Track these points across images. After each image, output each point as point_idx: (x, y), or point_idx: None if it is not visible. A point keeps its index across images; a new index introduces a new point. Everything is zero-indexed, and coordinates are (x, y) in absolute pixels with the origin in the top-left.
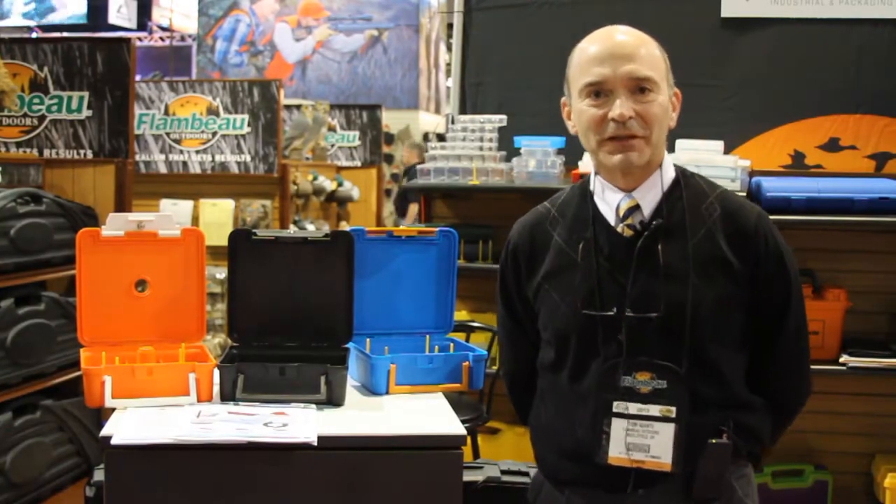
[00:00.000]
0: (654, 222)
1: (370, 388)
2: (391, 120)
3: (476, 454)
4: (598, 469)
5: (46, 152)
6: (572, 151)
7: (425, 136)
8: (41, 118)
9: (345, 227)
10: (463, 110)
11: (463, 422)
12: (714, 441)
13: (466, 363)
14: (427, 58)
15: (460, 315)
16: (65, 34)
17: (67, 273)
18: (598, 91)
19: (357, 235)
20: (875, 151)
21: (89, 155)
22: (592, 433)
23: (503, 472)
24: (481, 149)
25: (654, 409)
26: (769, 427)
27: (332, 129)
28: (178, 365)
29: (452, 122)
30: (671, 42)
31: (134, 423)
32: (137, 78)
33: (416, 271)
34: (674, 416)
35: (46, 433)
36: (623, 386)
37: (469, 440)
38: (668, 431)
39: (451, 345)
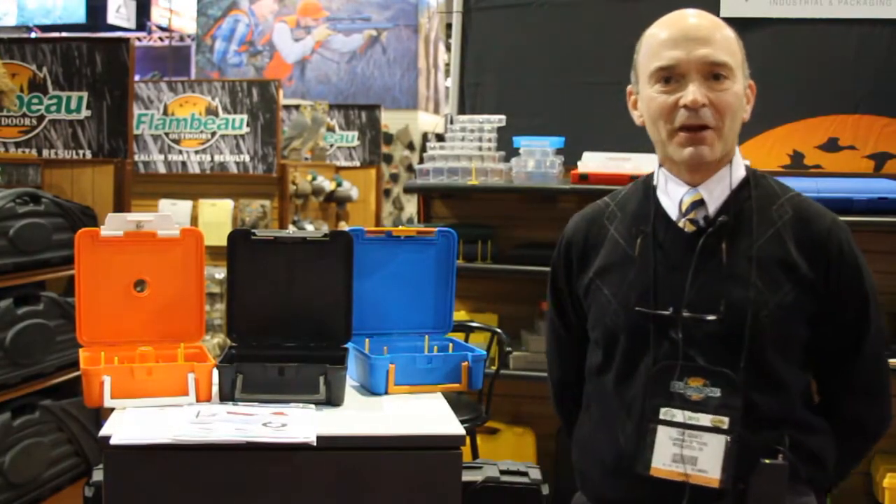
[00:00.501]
0: (719, 219)
1: (369, 388)
2: (390, 120)
3: (475, 454)
4: (642, 484)
5: (45, 152)
6: (571, 151)
7: (424, 137)
8: (40, 118)
9: (344, 227)
10: (462, 110)
11: (462, 422)
12: (768, 461)
13: (465, 363)
14: (426, 58)
15: (459, 315)
16: (64, 34)
17: (66, 273)
18: (670, 76)
19: (356, 235)
20: (874, 151)
21: (88, 155)
22: (636, 441)
23: (502, 473)
24: (480, 149)
25: (705, 419)
26: (833, 453)
27: (330, 129)
28: (177, 365)
29: (451, 123)
30: None
31: (133, 424)
32: (136, 78)
33: (415, 271)
34: (726, 427)
35: (45, 433)
36: (673, 391)
37: (468, 440)
38: (718, 444)
39: (451, 345)
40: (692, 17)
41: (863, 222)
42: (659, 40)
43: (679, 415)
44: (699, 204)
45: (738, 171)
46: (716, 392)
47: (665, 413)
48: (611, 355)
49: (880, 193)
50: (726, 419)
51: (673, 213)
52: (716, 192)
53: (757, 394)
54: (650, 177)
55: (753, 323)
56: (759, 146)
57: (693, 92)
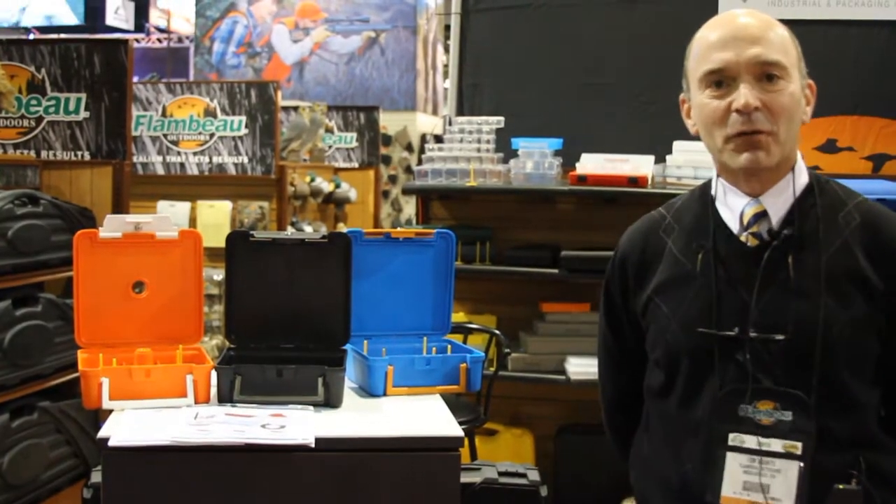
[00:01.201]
0: (783, 231)
1: (367, 390)
2: (389, 121)
3: (473, 455)
4: None
5: (44, 154)
6: (569, 153)
7: (423, 138)
8: (38, 119)
9: (342, 228)
10: (460, 112)
11: (460, 423)
12: (842, 487)
13: (464, 365)
14: (424, 59)
15: (458, 317)
16: (62, 35)
17: (65, 274)
18: (720, 80)
19: (354, 237)
20: (872, 153)
21: (87, 156)
22: (703, 468)
23: (501, 474)
24: (479, 150)
25: (777, 444)
26: None
27: (329, 130)
28: (176, 366)
29: (450, 124)
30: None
31: (131, 425)
32: (135, 79)
33: (413, 273)
34: (799, 452)
35: (44, 435)
36: (741, 416)
37: (466, 442)
38: (792, 471)
39: (449, 346)
40: (742, 17)
41: None
42: (707, 43)
43: (749, 440)
44: (762, 216)
45: (802, 178)
46: (787, 415)
47: (734, 439)
48: (673, 377)
49: (879, 195)
50: (799, 444)
51: (734, 225)
52: (779, 203)
53: (831, 415)
54: (707, 185)
55: (824, 341)
56: None
57: (745, 94)
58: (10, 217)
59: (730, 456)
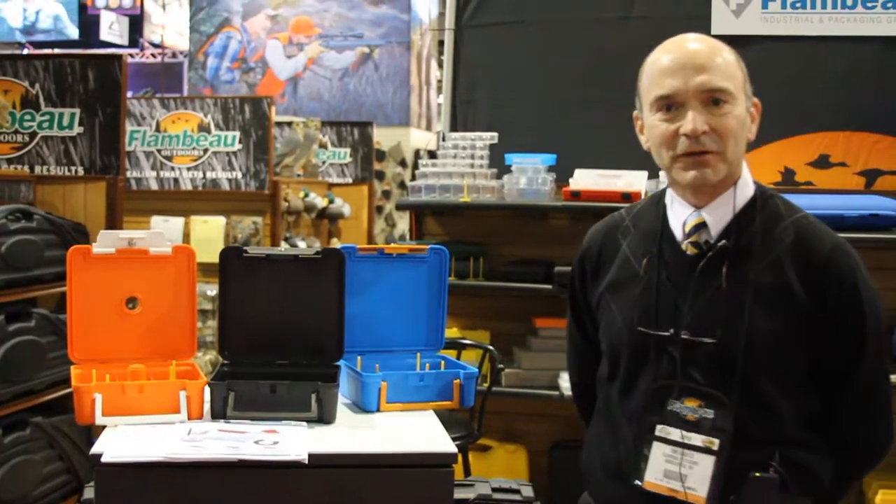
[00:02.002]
0: (719, 243)
1: (361, 406)
2: (382, 137)
3: (467, 471)
4: (636, 493)
5: (37, 169)
6: (563, 168)
7: (417, 154)
8: (32, 135)
9: (336, 244)
10: (454, 127)
11: (454, 439)
12: (758, 474)
13: (457, 381)
14: (418, 75)
15: (451, 332)
16: (56, 51)
17: (58, 290)
18: (670, 104)
19: (348, 253)
20: (865, 168)
21: (80, 171)
22: (634, 454)
23: (494, 490)
24: (472, 166)
25: (697, 439)
26: (830, 469)
27: (323, 145)
28: (169, 382)
29: (443, 140)
30: None
31: (124, 441)
32: (129, 94)
33: (407, 289)
34: (715, 448)
35: (36, 450)
36: (669, 410)
37: (460, 458)
38: (707, 464)
39: (442, 362)
40: (691, 43)
41: (854, 239)
42: (658, 67)
43: (674, 433)
44: (702, 226)
45: (745, 192)
46: (709, 413)
47: (661, 430)
48: (615, 368)
49: (871, 210)
50: (717, 441)
51: (678, 234)
52: (718, 215)
53: (748, 416)
54: (663, 193)
55: (747, 348)
56: (750, 163)
57: (692, 120)
58: (4, 232)
59: (655, 445)
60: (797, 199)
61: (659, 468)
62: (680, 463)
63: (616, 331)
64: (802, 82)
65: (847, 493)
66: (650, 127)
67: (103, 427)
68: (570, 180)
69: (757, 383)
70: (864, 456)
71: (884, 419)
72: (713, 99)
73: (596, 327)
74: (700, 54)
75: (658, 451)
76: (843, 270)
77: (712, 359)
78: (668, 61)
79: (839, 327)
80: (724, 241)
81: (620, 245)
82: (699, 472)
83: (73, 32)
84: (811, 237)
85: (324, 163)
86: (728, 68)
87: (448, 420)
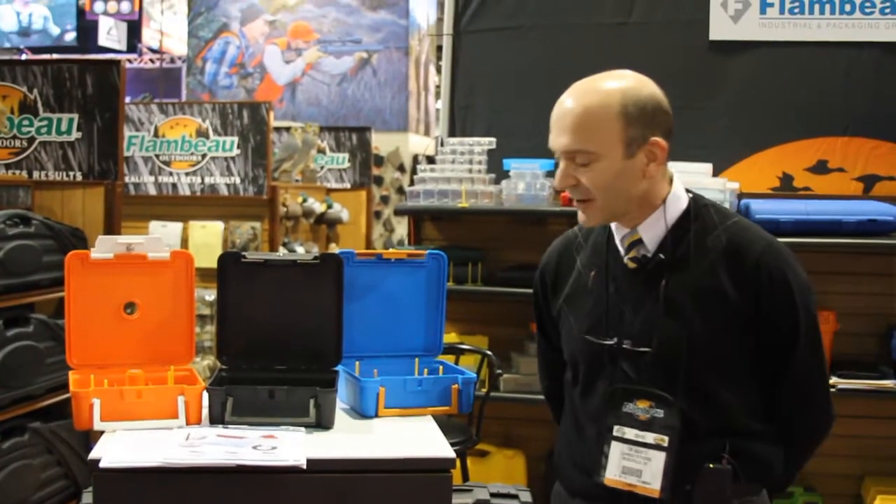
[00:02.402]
0: (656, 256)
1: (359, 411)
2: (381, 142)
3: (465, 477)
4: (600, 487)
5: (36, 174)
6: None
7: (415, 159)
8: (31, 140)
9: (334, 249)
10: (452, 133)
11: (452, 444)
12: (711, 465)
13: (456, 386)
14: (416, 80)
15: (450, 338)
16: (55, 56)
17: (56, 295)
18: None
19: (346, 258)
20: (863, 174)
21: (79, 177)
22: (596, 452)
23: (492, 496)
24: (470, 171)
25: (650, 437)
26: (779, 454)
27: (321, 151)
28: (167, 388)
29: (442, 145)
30: (660, 65)
31: (122, 446)
32: (127, 100)
33: (405, 294)
34: (665, 445)
35: (34, 456)
36: (624, 411)
37: (458, 463)
38: (659, 459)
39: (441, 367)
40: (567, 100)
41: (852, 244)
42: (551, 119)
43: (629, 432)
44: (639, 242)
45: (676, 207)
46: (660, 413)
47: (618, 430)
48: (576, 373)
49: (869, 215)
50: (666, 438)
51: (621, 249)
52: (652, 231)
53: (697, 412)
54: None
55: (689, 350)
56: (748, 168)
57: (557, 177)
58: (2, 237)
59: (614, 444)
60: (795, 205)
61: (617, 465)
62: (636, 460)
63: (573, 340)
64: (801, 88)
65: (796, 477)
66: None
67: (101, 432)
68: None
69: (701, 382)
70: (806, 441)
71: (823, 403)
72: (575, 159)
73: (559, 336)
74: (566, 115)
75: (616, 450)
76: (773, 270)
77: (655, 363)
78: (552, 115)
79: (775, 323)
80: (660, 254)
81: (575, 260)
82: (653, 468)
83: (55, 31)
84: (742, 242)
85: (322, 168)
86: (591, 130)
87: (446, 425)
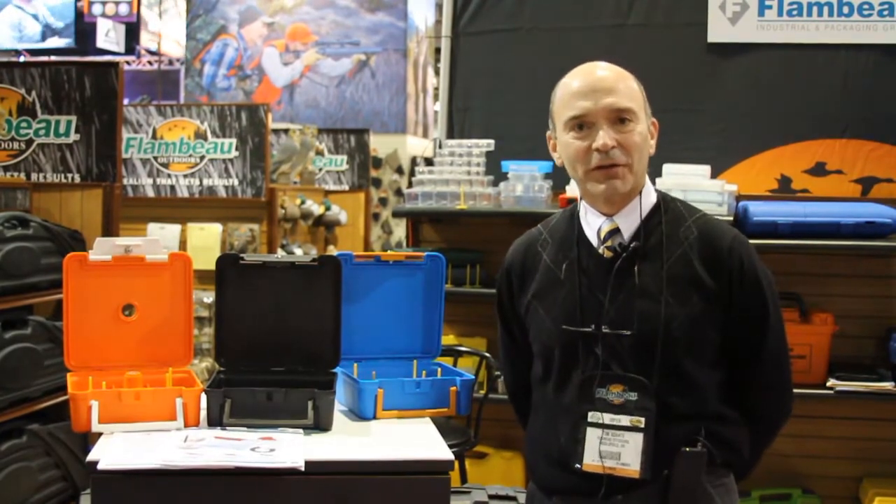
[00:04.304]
0: (632, 244)
1: (358, 413)
2: (379, 144)
3: (464, 479)
4: (576, 475)
5: (34, 176)
6: (560, 176)
7: (413, 161)
8: (29, 142)
9: (332, 251)
10: (450, 135)
11: (450, 446)
12: (687, 449)
13: (454, 388)
14: (415, 82)
15: (448, 339)
16: (53, 58)
17: (54, 297)
18: (582, 124)
19: (345, 260)
20: (861, 176)
21: (77, 179)
22: (571, 441)
23: (491, 497)
24: (469, 173)
25: (625, 420)
26: (747, 439)
27: (319, 153)
28: (166, 390)
29: (440, 147)
30: (658, 67)
31: (121, 448)
32: (125, 102)
33: (403, 296)
34: (642, 426)
35: (33, 458)
36: (598, 397)
37: (457, 465)
38: (636, 441)
39: (439, 369)
40: (599, 70)
41: (850, 246)
42: (570, 91)
43: (605, 417)
44: (615, 232)
45: (649, 199)
46: (633, 396)
47: (592, 416)
48: (549, 367)
49: (867, 217)
50: (643, 419)
51: (594, 240)
52: (628, 221)
53: (672, 395)
54: (575, 206)
55: (665, 334)
56: (746, 170)
57: (603, 136)
58: (0, 239)
59: (589, 430)
60: (793, 207)
61: (594, 450)
62: (613, 443)
63: (547, 332)
64: (799, 90)
65: (758, 461)
66: (564, 145)
67: (100, 434)
68: (567, 187)
69: (677, 364)
70: (773, 425)
71: (788, 388)
72: (619, 118)
73: (525, 334)
74: (607, 79)
75: (592, 435)
76: (744, 260)
77: (633, 348)
78: (579, 86)
79: (745, 306)
80: (635, 243)
81: (541, 256)
82: (631, 449)
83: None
84: (713, 232)
85: (320, 170)
86: (631, 92)
87: (444, 427)
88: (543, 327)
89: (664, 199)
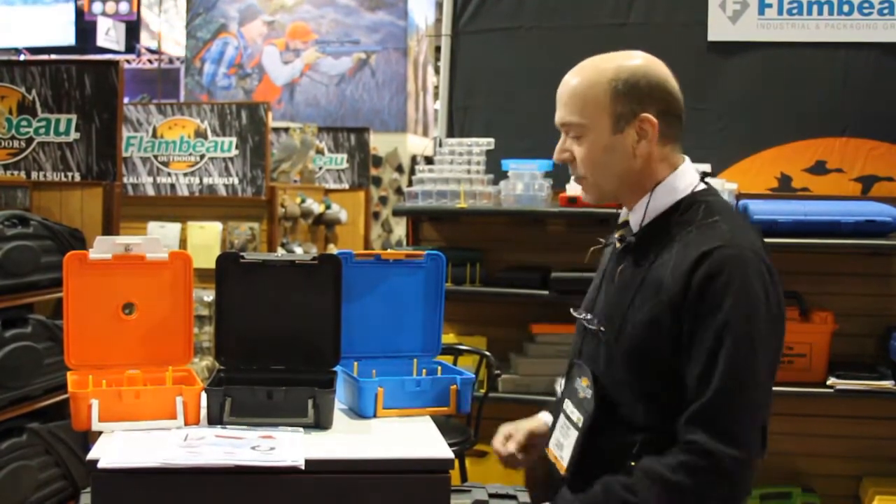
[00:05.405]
0: (627, 239)
1: (358, 412)
2: (379, 143)
3: (464, 478)
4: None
5: (34, 175)
6: (560, 175)
7: (413, 159)
8: (29, 141)
9: (332, 249)
10: (450, 133)
11: (451, 445)
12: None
13: (454, 386)
14: (415, 81)
15: (448, 338)
16: (53, 56)
17: (54, 296)
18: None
19: (345, 259)
20: (861, 174)
21: (77, 177)
22: (552, 425)
23: (491, 496)
24: (469, 172)
25: (575, 415)
26: None
27: (319, 151)
28: (166, 388)
29: (440, 145)
30: None
31: (121, 447)
32: (125, 100)
33: (403, 294)
34: (580, 425)
35: (33, 456)
36: (573, 386)
37: (457, 463)
38: (573, 438)
39: (439, 368)
40: (568, 75)
41: (850, 245)
42: None
43: (568, 406)
44: (626, 225)
45: (665, 198)
46: (590, 392)
47: (566, 405)
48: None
49: (867, 216)
50: (583, 418)
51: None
52: (636, 216)
53: (618, 400)
54: None
55: (617, 335)
56: (746, 169)
57: (556, 149)
58: (1, 238)
59: (560, 418)
60: (793, 206)
61: (555, 438)
62: (564, 433)
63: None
64: (799, 88)
65: None
66: None
67: (100, 433)
68: (567, 186)
69: (623, 368)
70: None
71: (731, 438)
72: (569, 132)
73: None
74: (563, 89)
75: (559, 423)
76: (714, 275)
77: (602, 344)
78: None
79: (696, 331)
80: (629, 239)
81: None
82: (569, 444)
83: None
84: (698, 239)
85: (320, 169)
86: (583, 102)
87: (445, 426)
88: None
89: (689, 202)
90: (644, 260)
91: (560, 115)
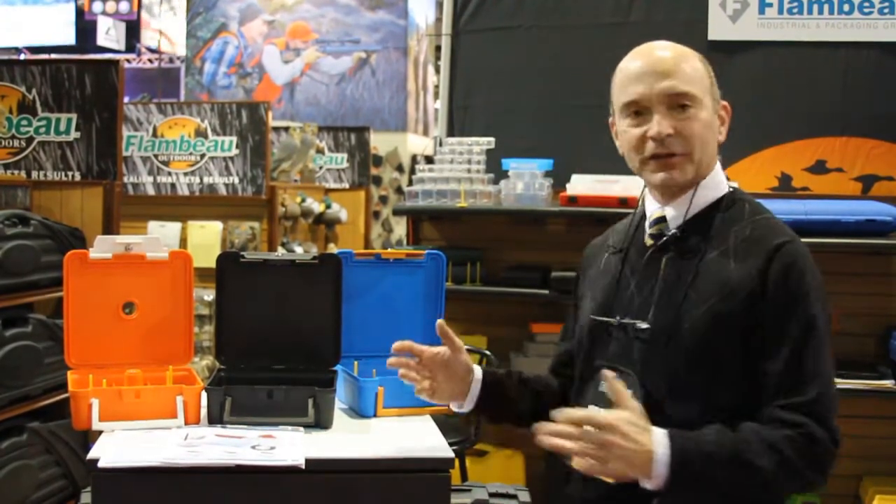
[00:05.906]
0: (667, 234)
1: (358, 411)
2: (379, 142)
3: (464, 477)
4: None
5: (34, 174)
6: (560, 174)
7: (413, 159)
8: (29, 140)
9: (333, 249)
10: (451, 133)
11: (451, 444)
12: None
13: None
14: (415, 80)
15: None
16: (53, 56)
17: (55, 295)
18: (638, 110)
19: (345, 258)
20: (862, 174)
21: (77, 177)
22: None
23: (491, 495)
24: (469, 171)
25: None
26: None
27: (320, 151)
28: (166, 387)
29: (440, 145)
30: None
31: (121, 446)
32: (126, 100)
33: (404, 294)
34: None
35: (33, 456)
36: (600, 391)
37: (457, 463)
38: None
39: None
40: (657, 51)
41: (850, 244)
42: (626, 74)
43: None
44: (662, 220)
45: (709, 193)
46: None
47: (591, 409)
48: (578, 356)
49: (868, 215)
50: None
51: (646, 229)
52: (677, 212)
53: (670, 400)
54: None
55: (671, 333)
56: (746, 168)
57: (657, 124)
58: (1, 237)
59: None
60: (794, 205)
61: None
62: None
63: (581, 326)
64: (799, 88)
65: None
66: (621, 132)
67: (100, 432)
68: (568, 185)
69: (683, 367)
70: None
71: (823, 432)
72: (678, 104)
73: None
74: (665, 61)
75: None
76: (790, 267)
77: (646, 342)
78: (635, 68)
79: (781, 325)
80: (672, 232)
81: (607, 248)
82: None
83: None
84: (764, 232)
85: (321, 168)
86: (693, 74)
87: (445, 425)
88: (581, 320)
89: (732, 198)
90: (692, 255)
91: (667, 85)
